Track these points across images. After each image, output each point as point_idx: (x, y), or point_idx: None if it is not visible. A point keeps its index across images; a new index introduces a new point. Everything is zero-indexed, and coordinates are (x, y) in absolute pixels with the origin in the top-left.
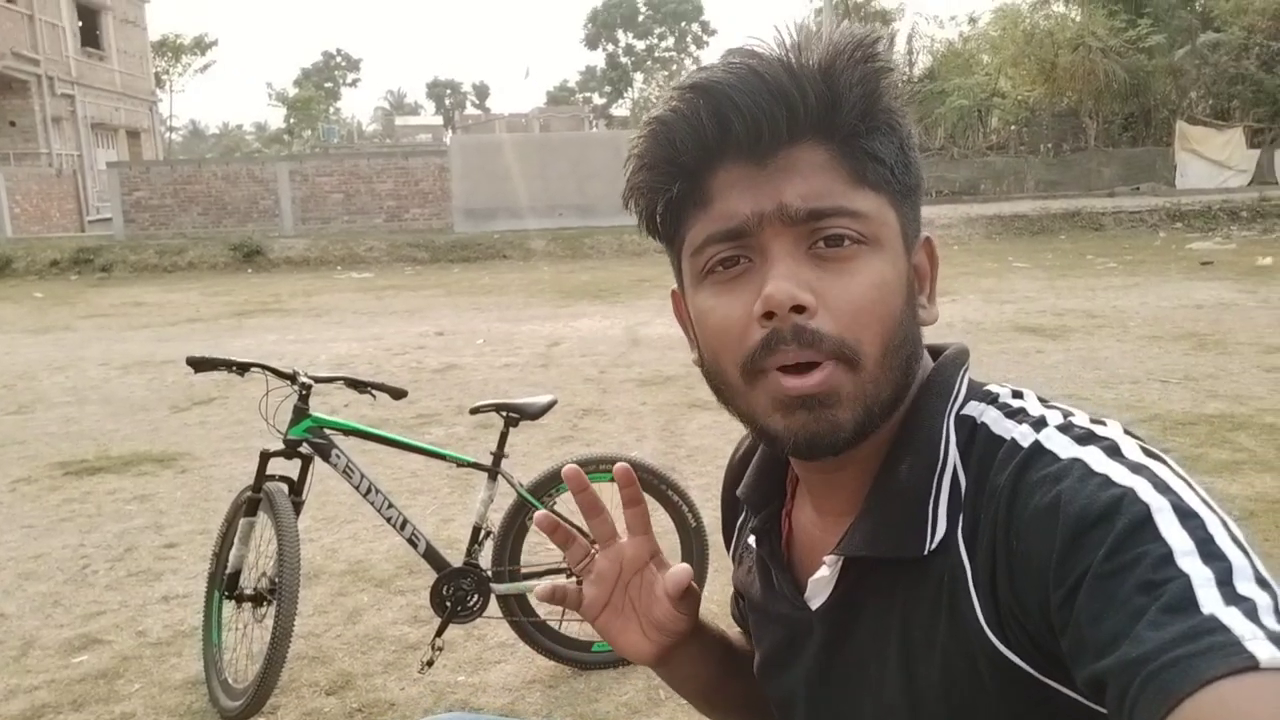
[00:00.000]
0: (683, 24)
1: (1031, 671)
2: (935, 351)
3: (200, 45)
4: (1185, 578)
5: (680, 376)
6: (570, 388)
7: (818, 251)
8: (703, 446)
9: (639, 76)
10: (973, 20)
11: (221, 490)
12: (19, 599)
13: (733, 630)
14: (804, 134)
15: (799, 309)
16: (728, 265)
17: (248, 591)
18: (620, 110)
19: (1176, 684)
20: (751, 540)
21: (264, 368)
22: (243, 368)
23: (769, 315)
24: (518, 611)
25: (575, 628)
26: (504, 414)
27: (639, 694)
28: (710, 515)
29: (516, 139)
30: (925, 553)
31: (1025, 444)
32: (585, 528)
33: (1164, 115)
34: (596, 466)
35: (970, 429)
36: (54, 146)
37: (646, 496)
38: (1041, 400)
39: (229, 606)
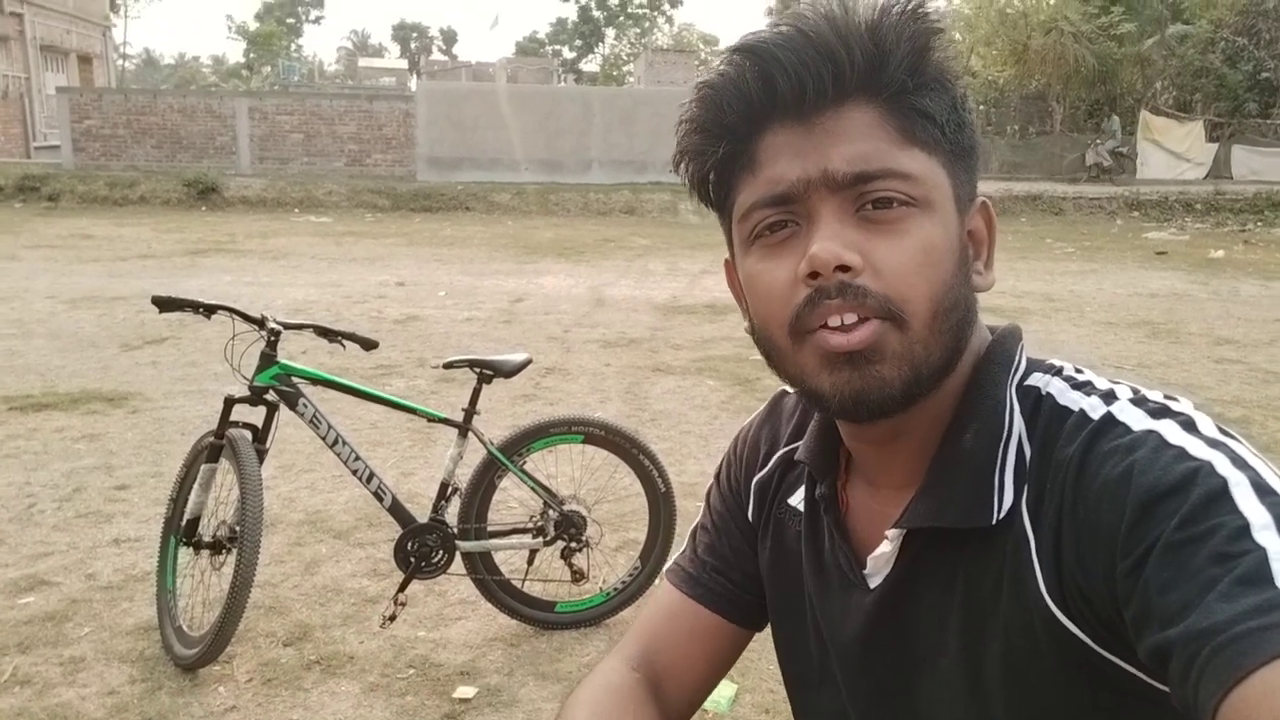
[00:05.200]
0: None
1: (1090, 644)
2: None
3: None
4: (1262, 551)
5: (644, 339)
6: (533, 345)
7: (866, 214)
8: (666, 411)
9: (610, 32)
10: None
11: (175, 433)
12: None
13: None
14: (851, 92)
15: (844, 269)
16: (775, 229)
17: (206, 539)
18: (590, 65)
19: (1247, 656)
20: (798, 505)
21: (232, 311)
22: (209, 310)
23: (814, 275)
24: (482, 569)
25: (539, 587)
26: (478, 370)
27: (601, 655)
28: (677, 481)
29: (485, 89)
30: (993, 522)
31: (1096, 415)
32: (551, 486)
33: (1129, 104)
34: (568, 428)
35: (1035, 399)
36: (0, 67)
37: (617, 460)
38: (1107, 377)
39: (185, 553)
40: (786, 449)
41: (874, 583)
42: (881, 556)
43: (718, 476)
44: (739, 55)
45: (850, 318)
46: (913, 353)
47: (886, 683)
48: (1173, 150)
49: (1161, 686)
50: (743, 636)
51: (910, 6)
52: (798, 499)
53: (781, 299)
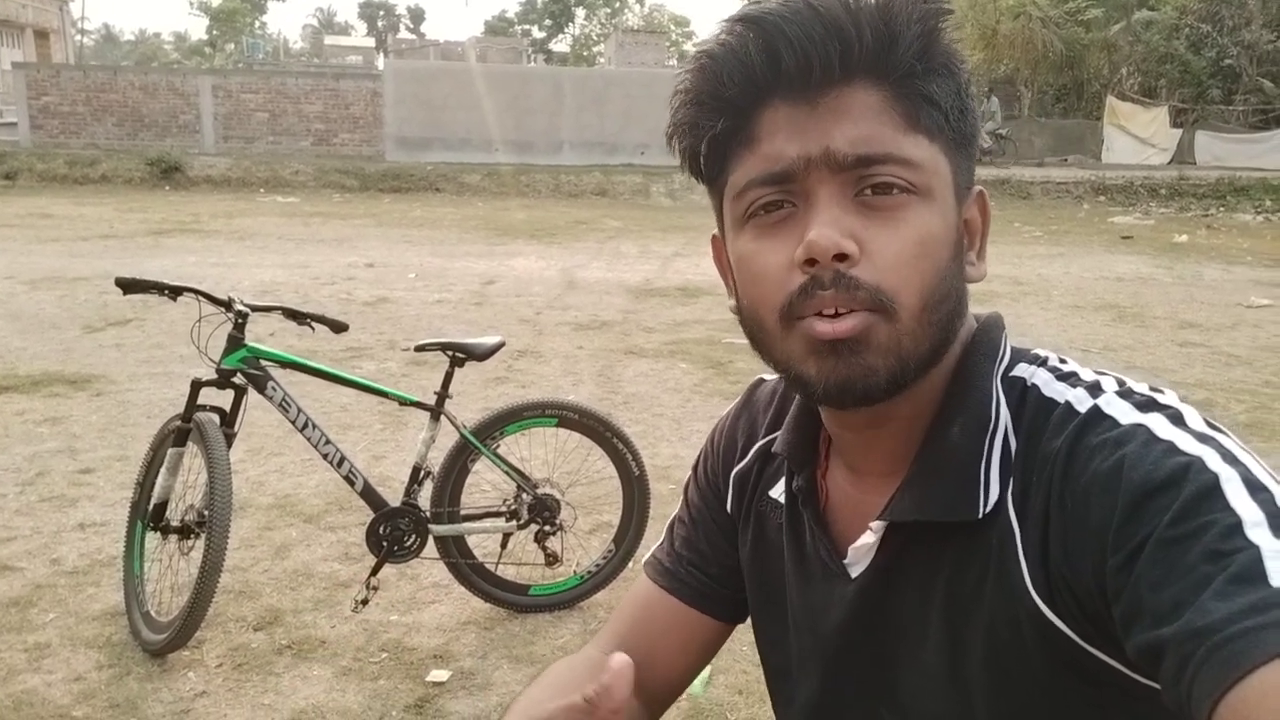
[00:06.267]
0: None
1: (1076, 639)
2: None
3: None
4: (1255, 549)
5: (617, 322)
6: (505, 328)
7: (865, 199)
8: (639, 394)
9: (580, 12)
10: None
11: (140, 416)
12: None
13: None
14: (857, 73)
15: (841, 257)
16: (770, 210)
17: (174, 523)
18: (560, 46)
19: (1244, 656)
20: (778, 496)
21: (198, 293)
22: (175, 291)
23: (811, 262)
24: (455, 553)
25: (512, 570)
26: (450, 353)
27: (575, 637)
28: (651, 464)
29: (455, 68)
30: (979, 516)
31: (1082, 408)
32: (525, 470)
33: (1095, 89)
34: (541, 411)
35: (1020, 390)
36: None
37: (590, 443)
38: (1092, 368)
39: (153, 538)
40: (765, 440)
41: (855, 572)
42: (863, 547)
43: (695, 469)
44: (742, 25)
45: (842, 308)
46: (900, 344)
47: (867, 674)
48: (1138, 135)
49: (1147, 683)
50: (721, 630)
51: None
52: (778, 491)
53: (775, 283)
